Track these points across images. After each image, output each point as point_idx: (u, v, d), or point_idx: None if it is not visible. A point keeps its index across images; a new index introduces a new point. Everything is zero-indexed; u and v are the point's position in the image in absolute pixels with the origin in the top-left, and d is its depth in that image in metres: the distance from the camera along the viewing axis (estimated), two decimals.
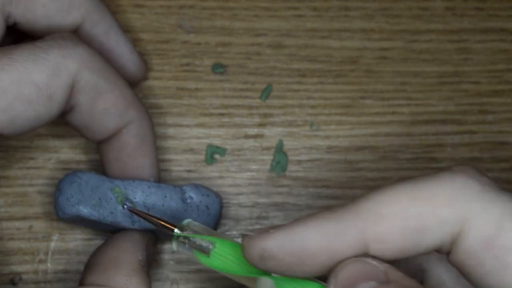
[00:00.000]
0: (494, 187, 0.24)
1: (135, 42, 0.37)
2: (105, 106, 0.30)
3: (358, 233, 0.24)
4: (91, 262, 0.29)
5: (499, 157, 0.38)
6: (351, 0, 0.39)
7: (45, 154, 0.36)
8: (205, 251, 0.27)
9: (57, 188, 0.31)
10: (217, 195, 0.32)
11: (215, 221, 0.32)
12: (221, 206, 0.33)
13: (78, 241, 0.35)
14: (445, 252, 0.24)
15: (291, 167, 0.37)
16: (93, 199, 0.31)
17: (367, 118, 0.38)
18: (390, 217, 0.23)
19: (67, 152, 0.36)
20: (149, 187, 0.31)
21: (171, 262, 0.35)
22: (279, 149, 0.37)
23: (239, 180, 0.37)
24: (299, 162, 0.37)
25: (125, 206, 0.31)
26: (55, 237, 0.35)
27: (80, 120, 0.31)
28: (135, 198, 0.31)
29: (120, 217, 0.31)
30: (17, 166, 0.36)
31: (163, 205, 0.31)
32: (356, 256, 0.24)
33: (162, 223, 0.28)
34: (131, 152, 0.32)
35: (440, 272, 0.28)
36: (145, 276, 0.29)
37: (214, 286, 0.35)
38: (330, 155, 0.37)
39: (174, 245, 0.28)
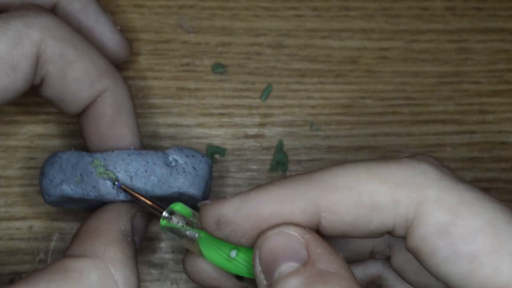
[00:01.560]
0: (453, 177, 0.24)
1: (135, 42, 0.37)
2: (76, 75, 0.30)
3: (311, 201, 0.24)
4: (74, 235, 0.29)
5: (499, 157, 0.38)
6: (351, 0, 0.39)
7: (45, 154, 0.36)
8: (190, 238, 0.27)
9: (40, 172, 0.31)
10: (204, 155, 0.31)
11: (205, 181, 0.31)
12: (210, 165, 0.31)
13: None
14: (399, 236, 0.24)
15: (291, 167, 0.37)
16: (75, 176, 0.30)
17: (367, 118, 0.38)
18: (344, 189, 0.24)
19: None
20: (129, 155, 0.30)
21: (171, 262, 0.35)
22: (279, 149, 0.37)
23: (239, 180, 0.37)
24: (299, 162, 0.37)
25: (116, 183, 0.30)
26: (55, 237, 0.35)
27: (53, 92, 0.30)
28: (115, 168, 0.30)
29: (103, 189, 0.30)
30: (17, 166, 0.36)
31: (146, 171, 0.30)
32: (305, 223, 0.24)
33: (150, 204, 0.29)
34: (108, 121, 0.31)
35: (403, 256, 0.28)
36: (126, 246, 0.28)
37: None
38: (330, 155, 0.37)
39: (161, 229, 0.28)
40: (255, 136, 0.37)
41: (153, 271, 0.35)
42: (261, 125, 0.37)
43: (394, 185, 0.23)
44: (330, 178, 0.24)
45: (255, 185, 0.36)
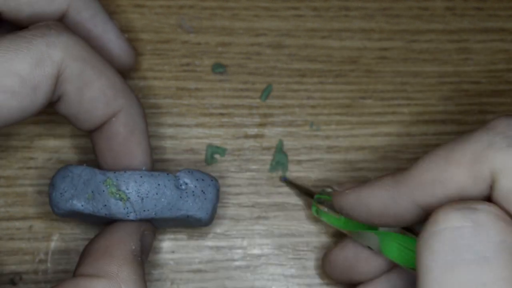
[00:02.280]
0: None
1: (135, 42, 0.37)
2: (93, 94, 0.30)
3: (410, 200, 0.26)
4: (84, 253, 0.29)
5: None
6: (351, 0, 0.39)
7: (45, 154, 0.36)
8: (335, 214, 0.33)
9: (50, 184, 0.31)
10: (213, 178, 0.32)
11: (213, 205, 0.32)
12: (218, 189, 0.32)
13: (78, 241, 0.35)
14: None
15: (291, 167, 0.37)
16: (86, 192, 0.30)
17: (367, 118, 0.38)
18: (432, 184, 0.26)
19: (67, 152, 0.36)
20: (141, 177, 0.30)
21: (171, 262, 0.35)
22: (279, 149, 0.37)
23: (239, 180, 0.37)
24: (299, 162, 0.37)
25: (281, 179, 0.36)
26: (55, 237, 0.35)
27: (68, 109, 0.30)
28: (127, 189, 0.30)
29: (114, 209, 0.30)
30: (17, 166, 0.36)
31: (157, 193, 0.30)
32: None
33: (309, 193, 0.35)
34: (122, 141, 0.31)
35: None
36: (137, 266, 0.28)
37: (214, 286, 0.35)
38: (330, 155, 0.37)
39: (313, 210, 0.34)
40: (255, 136, 0.37)
41: (153, 271, 0.35)
42: (261, 125, 0.37)
43: (468, 166, 0.25)
44: (418, 175, 0.26)
45: (256, 185, 0.37)
